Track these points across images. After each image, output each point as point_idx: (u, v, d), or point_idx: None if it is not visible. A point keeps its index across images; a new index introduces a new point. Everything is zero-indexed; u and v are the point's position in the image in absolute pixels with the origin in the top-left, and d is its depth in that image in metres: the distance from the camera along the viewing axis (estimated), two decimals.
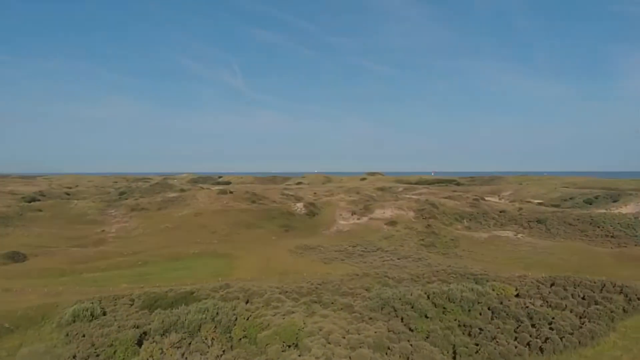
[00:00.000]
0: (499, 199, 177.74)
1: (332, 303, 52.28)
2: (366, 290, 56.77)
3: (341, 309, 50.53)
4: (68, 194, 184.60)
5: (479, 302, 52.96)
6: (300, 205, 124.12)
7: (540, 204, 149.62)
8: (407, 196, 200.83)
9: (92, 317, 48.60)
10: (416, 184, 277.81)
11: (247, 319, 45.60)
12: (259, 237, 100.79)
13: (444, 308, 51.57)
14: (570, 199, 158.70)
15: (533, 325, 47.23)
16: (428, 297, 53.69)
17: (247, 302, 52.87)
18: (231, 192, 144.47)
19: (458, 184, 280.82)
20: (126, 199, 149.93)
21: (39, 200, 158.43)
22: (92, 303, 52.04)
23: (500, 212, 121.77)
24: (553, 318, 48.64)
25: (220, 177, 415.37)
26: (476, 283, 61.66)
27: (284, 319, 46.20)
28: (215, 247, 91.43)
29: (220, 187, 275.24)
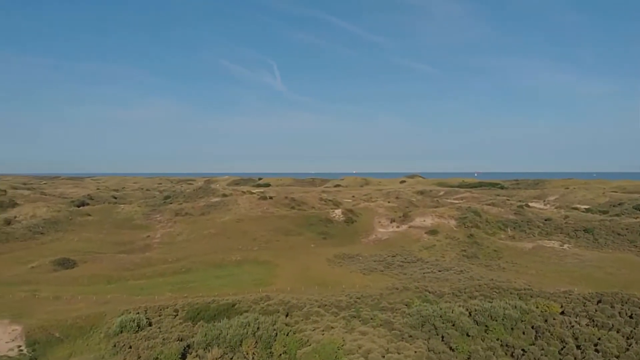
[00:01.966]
0: (544, 205, 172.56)
1: (372, 319, 52.31)
2: (406, 305, 56.43)
3: (380, 325, 50.49)
4: (115, 197, 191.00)
5: (522, 321, 51.85)
6: (338, 212, 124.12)
7: (587, 210, 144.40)
8: (449, 201, 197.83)
9: (138, 328, 50.42)
10: (458, 187, 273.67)
11: (287, 335, 46.21)
12: (298, 245, 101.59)
13: (486, 326, 50.72)
14: (619, 204, 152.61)
15: (578, 347, 45.90)
16: (470, 315, 52.93)
17: (287, 315, 53.63)
18: (271, 198, 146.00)
19: (502, 188, 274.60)
20: (170, 203, 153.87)
21: (87, 204, 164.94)
22: (138, 313, 54.02)
23: (546, 220, 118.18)
24: (599, 339, 47.09)
25: (260, 178, 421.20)
26: (520, 299, 60.37)
27: (323, 334, 46.61)
28: (256, 255, 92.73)
29: (260, 189, 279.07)
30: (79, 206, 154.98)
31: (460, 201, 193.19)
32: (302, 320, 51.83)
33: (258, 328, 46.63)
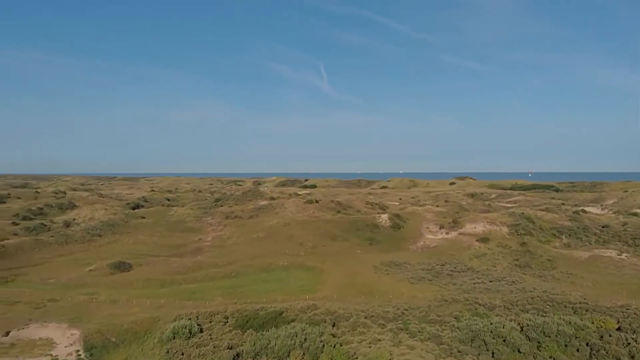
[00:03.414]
0: (601, 210, 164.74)
1: (420, 332, 51.56)
2: (455, 318, 55.26)
3: (429, 339, 49.66)
4: (168, 200, 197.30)
5: (576, 337, 49.73)
6: (385, 216, 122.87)
7: None
8: (501, 204, 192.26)
9: (190, 334, 51.81)
10: (511, 189, 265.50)
11: (334, 347, 46.28)
12: (343, 250, 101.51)
13: (539, 343, 48.96)
14: None
15: None
16: (522, 330, 51.27)
17: (333, 326, 53.69)
18: (317, 201, 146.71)
19: (557, 190, 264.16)
20: (221, 205, 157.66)
21: (142, 206, 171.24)
22: (190, 319, 55.54)
23: (603, 227, 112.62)
24: None
25: (306, 179, 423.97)
26: (574, 313, 57.99)
27: (370, 347, 46.35)
28: (302, 260, 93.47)
29: (307, 190, 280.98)
30: (134, 208, 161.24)
31: (513, 205, 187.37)
32: (348, 331, 51.77)
33: (305, 339, 46.96)
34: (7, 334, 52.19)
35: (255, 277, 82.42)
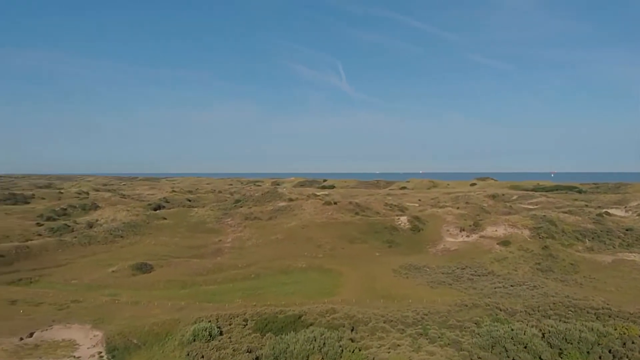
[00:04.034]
0: (625, 212, 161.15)
1: (439, 337, 51.13)
2: (476, 324, 54.69)
3: (448, 344, 49.22)
4: (189, 200, 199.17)
5: (599, 344, 48.83)
6: (404, 219, 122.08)
7: None
8: (523, 206, 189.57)
9: (210, 337, 52.24)
10: (532, 190, 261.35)
11: (353, 352, 46.21)
12: (362, 253, 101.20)
13: (561, 350, 48.19)
14: None
15: None
16: (543, 336, 50.51)
17: (352, 330, 53.58)
18: (335, 203, 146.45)
19: (580, 192, 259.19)
20: (241, 207, 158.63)
21: (163, 207, 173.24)
22: (210, 322, 55.99)
23: (627, 230, 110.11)
24: None
25: (325, 180, 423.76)
26: (597, 319, 56.95)
27: (389, 353, 46.14)
28: (321, 262, 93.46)
29: (325, 191, 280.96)
30: (155, 209, 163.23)
31: (535, 206, 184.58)
32: (367, 335, 51.62)
33: (324, 344, 46.97)
34: (31, 335, 53.31)
35: (274, 279, 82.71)
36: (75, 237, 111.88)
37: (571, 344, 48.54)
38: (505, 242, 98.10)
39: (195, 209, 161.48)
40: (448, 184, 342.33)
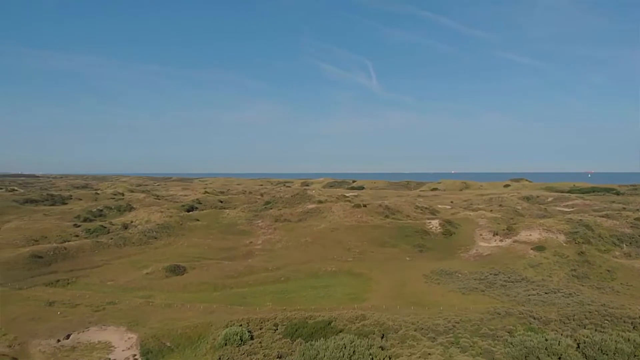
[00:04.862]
0: None
1: (471, 346, 50.31)
2: (509, 333, 53.57)
3: (480, 354, 48.36)
4: (221, 202, 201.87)
5: (635, 355, 47.17)
6: (435, 222, 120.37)
7: None
8: (558, 208, 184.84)
9: (241, 341, 52.78)
10: (568, 192, 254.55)
11: None
12: (392, 257, 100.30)
13: None
14: None
15: None
16: (578, 347, 49.09)
17: (382, 337, 53.24)
18: (365, 206, 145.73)
19: (618, 194, 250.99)
20: (271, 208, 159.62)
21: (196, 208, 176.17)
22: (241, 326, 56.62)
23: None
24: None
25: (354, 181, 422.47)
26: (634, 329, 55.06)
27: None
28: (350, 266, 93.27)
29: (354, 192, 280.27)
30: (188, 211, 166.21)
31: (571, 209, 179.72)
32: (397, 344, 51.19)
33: (354, 352, 46.81)
34: (68, 336, 54.95)
35: (304, 283, 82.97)
36: (111, 239, 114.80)
37: (607, 355, 47.07)
38: (539, 247, 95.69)
39: (227, 210, 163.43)
40: (481, 185, 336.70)
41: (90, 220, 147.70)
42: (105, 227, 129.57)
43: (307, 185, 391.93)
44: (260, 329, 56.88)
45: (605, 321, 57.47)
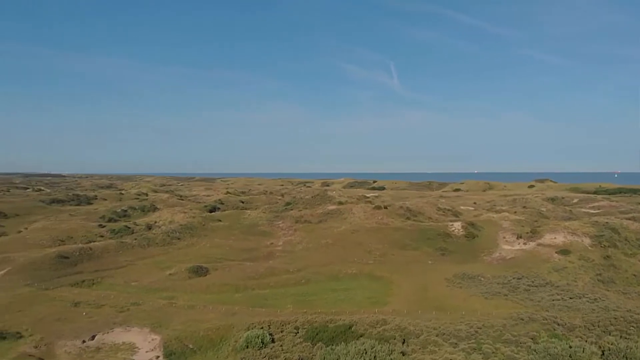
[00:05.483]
0: None
1: (494, 353, 49.72)
2: (532, 339, 52.80)
3: None
4: (242, 202, 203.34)
5: None
6: (458, 225, 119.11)
7: None
8: (583, 210, 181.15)
9: (263, 344, 53.18)
10: (594, 193, 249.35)
11: None
12: (414, 260, 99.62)
13: None
14: None
15: None
16: (602, 354, 48.19)
17: (403, 343, 52.99)
18: (385, 207, 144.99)
19: None
20: (291, 209, 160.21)
21: (218, 209, 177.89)
22: (262, 328, 57.02)
23: None
24: None
25: (374, 181, 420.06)
26: None
27: None
28: (371, 268, 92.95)
29: (375, 193, 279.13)
30: (211, 211, 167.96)
31: (597, 211, 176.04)
32: (419, 349, 50.88)
33: (375, 357, 46.78)
34: (93, 337, 56.08)
35: (324, 286, 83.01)
36: (135, 239, 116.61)
37: None
38: (564, 251, 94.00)
39: (248, 211, 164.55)
40: (505, 186, 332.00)
41: (115, 221, 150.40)
42: (129, 228, 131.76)
43: (328, 186, 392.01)
44: (281, 332, 57.21)
45: (631, 327, 56.29)
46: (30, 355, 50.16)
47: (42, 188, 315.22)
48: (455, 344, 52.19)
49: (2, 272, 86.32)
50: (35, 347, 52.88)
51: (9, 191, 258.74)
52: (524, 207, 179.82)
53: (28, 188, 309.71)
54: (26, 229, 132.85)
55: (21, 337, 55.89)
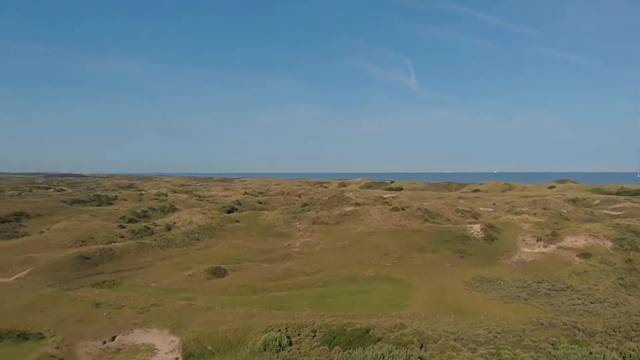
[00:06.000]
0: None
1: (513, 358, 49.15)
2: (552, 345, 52.15)
3: None
4: (260, 203, 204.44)
5: None
6: (477, 227, 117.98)
7: None
8: (605, 211, 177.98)
9: (280, 347, 53.42)
10: (616, 194, 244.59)
11: None
12: (432, 262, 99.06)
13: None
14: None
15: None
16: None
17: (421, 348, 52.78)
18: (403, 209, 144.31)
19: None
20: (308, 210, 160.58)
21: (236, 209, 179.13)
22: (280, 331, 57.30)
23: None
24: None
25: (392, 182, 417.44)
26: None
27: None
28: (388, 271, 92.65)
29: (392, 194, 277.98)
30: (229, 212, 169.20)
31: (619, 212, 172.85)
32: (437, 354, 50.63)
33: None
34: (114, 338, 56.97)
35: (341, 288, 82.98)
36: (155, 240, 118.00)
37: None
38: (585, 254, 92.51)
39: (266, 212, 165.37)
40: (524, 187, 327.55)
41: (135, 221, 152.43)
42: (149, 228, 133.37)
43: (345, 186, 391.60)
44: (299, 335, 57.41)
45: None
46: (51, 357, 51.13)
47: (64, 188, 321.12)
48: (474, 349, 51.80)
49: (25, 272, 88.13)
50: (57, 347, 53.90)
51: (31, 191, 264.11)
52: (544, 208, 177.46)
53: (50, 188, 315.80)
54: (48, 229, 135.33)
55: (43, 337, 56.97)
